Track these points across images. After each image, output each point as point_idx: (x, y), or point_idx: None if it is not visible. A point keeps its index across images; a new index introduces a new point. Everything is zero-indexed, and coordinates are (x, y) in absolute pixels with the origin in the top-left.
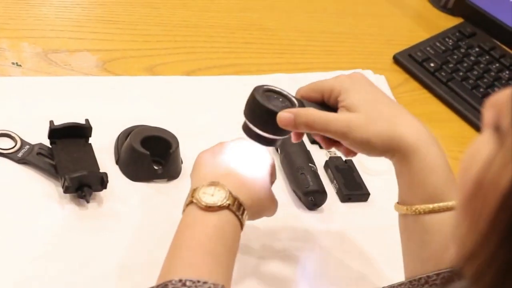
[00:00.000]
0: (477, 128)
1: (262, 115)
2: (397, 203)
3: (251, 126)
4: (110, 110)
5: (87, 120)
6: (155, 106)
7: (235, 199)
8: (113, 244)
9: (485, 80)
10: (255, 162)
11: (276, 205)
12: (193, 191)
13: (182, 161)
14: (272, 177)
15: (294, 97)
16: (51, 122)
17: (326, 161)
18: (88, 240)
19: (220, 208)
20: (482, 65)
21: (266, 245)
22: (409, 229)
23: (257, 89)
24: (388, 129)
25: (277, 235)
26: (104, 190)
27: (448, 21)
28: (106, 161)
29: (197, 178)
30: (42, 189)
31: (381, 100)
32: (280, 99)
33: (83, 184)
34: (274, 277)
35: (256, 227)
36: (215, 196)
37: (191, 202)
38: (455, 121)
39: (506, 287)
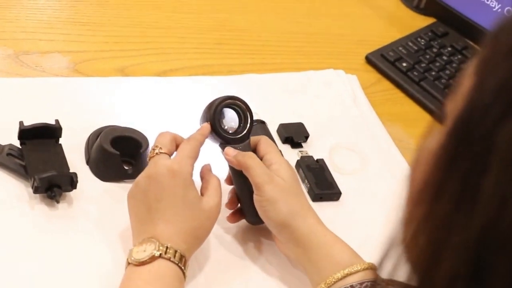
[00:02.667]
0: None
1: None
2: None
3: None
4: (81, 111)
5: (57, 121)
6: (126, 106)
7: (166, 247)
8: (84, 244)
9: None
10: (188, 190)
11: (217, 215)
12: (129, 254)
13: None
14: (214, 196)
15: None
16: (21, 123)
17: (298, 161)
18: (58, 241)
19: (153, 259)
20: (454, 65)
21: (236, 245)
22: None
23: (219, 101)
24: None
25: (245, 235)
26: (74, 190)
27: (421, 21)
28: (76, 161)
29: (134, 236)
30: (12, 190)
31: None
32: (239, 116)
33: (53, 184)
34: (244, 276)
35: (224, 227)
36: (146, 251)
37: (128, 264)
38: (427, 121)
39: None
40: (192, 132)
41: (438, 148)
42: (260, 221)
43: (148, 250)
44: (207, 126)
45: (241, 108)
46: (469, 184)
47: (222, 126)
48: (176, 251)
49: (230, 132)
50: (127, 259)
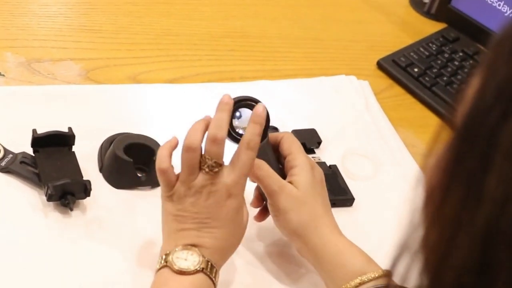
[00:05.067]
0: None
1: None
2: None
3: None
4: (94, 118)
5: (70, 128)
6: (139, 114)
7: (207, 262)
8: (97, 252)
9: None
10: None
11: (245, 231)
12: (166, 255)
13: None
14: (242, 215)
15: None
16: (34, 131)
17: None
18: (71, 248)
19: (194, 272)
20: (466, 70)
21: (248, 251)
22: None
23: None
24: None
25: (258, 240)
26: (87, 198)
27: (432, 27)
28: (89, 169)
29: (168, 237)
30: (26, 198)
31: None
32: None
33: (67, 192)
34: (255, 280)
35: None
36: (188, 261)
37: (164, 266)
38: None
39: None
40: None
41: (444, 150)
42: None
43: (190, 260)
44: (263, 121)
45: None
46: (474, 183)
47: (235, 128)
48: (213, 267)
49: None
50: (164, 262)
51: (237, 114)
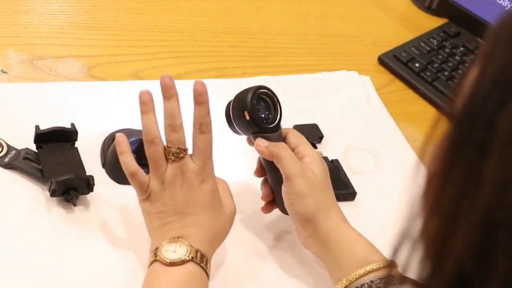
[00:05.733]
0: None
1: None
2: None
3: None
4: (96, 115)
5: (72, 124)
6: None
7: (196, 251)
8: (100, 247)
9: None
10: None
11: (233, 219)
12: (155, 250)
13: None
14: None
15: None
16: (37, 127)
17: None
18: (75, 243)
19: (184, 262)
20: (467, 64)
21: (251, 245)
22: None
23: (253, 89)
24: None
25: (262, 234)
26: (90, 193)
27: (433, 22)
28: (92, 164)
29: (155, 235)
30: (29, 193)
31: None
32: (268, 106)
33: (70, 187)
34: (259, 276)
35: (242, 227)
36: (177, 252)
37: (154, 261)
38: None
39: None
40: None
41: (443, 138)
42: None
43: (179, 251)
44: (207, 99)
45: (271, 97)
46: (473, 169)
47: (260, 115)
48: (203, 256)
49: (265, 121)
50: (153, 256)
51: (258, 102)
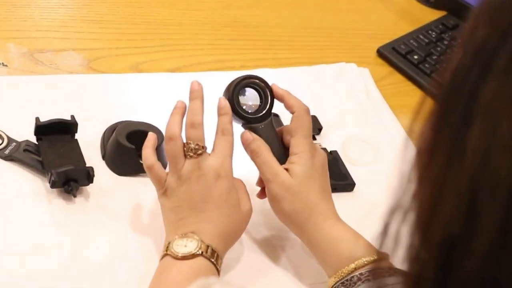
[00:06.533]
0: None
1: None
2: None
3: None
4: (96, 107)
5: (72, 116)
6: (141, 102)
7: (207, 246)
8: (101, 237)
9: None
10: (224, 194)
11: (250, 218)
12: (168, 244)
13: None
14: (244, 199)
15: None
16: (37, 119)
17: None
18: (75, 234)
19: (194, 256)
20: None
21: (249, 235)
22: None
23: (239, 79)
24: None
25: (260, 225)
26: (90, 185)
27: (431, 15)
28: (92, 156)
29: (169, 229)
30: (30, 185)
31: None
32: (257, 95)
33: (70, 178)
34: (257, 266)
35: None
36: (188, 247)
37: (165, 255)
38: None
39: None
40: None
41: (430, 113)
42: None
43: (189, 246)
44: (229, 111)
45: (261, 86)
46: (458, 138)
47: (241, 106)
48: (214, 251)
49: (249, 111)
50: (165, 250)
51: (242, 92)
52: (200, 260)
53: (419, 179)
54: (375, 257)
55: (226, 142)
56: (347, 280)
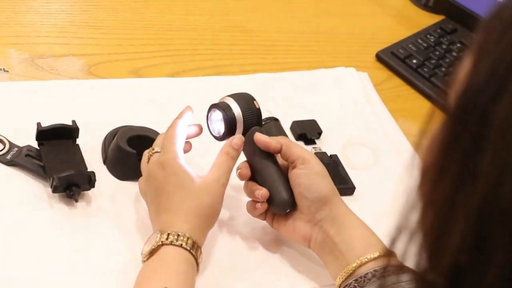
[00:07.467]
0: None
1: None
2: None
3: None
4: (97, 112)
5: (74, 121)
6: (141, 107)
7: (167, 234)
8: (102, 242)
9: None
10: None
11: (219, 191)
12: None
13: None
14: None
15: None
16: (39, 124)
17: None
18: (77, 238)
19: (157, 248)
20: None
21: (249, 240)
22: None
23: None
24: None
25: (262, 229)
26: (92, 189)
27: (430, 19)
28: (93, 161)
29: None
30: (31, 190)
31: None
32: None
33: (71, 183)
34: (254, 272)
35: (239, 228)
36: (148, 244)
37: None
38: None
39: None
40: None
41: (439, 131)
42: (290, 203)
43: (151, 241)
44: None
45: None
46: (468, 162)
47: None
48: (178, 234)
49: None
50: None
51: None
52: (165, 249)
53: (426, 201)
54: (385, 252)
55: (169, 131)
56: (361, 277)
